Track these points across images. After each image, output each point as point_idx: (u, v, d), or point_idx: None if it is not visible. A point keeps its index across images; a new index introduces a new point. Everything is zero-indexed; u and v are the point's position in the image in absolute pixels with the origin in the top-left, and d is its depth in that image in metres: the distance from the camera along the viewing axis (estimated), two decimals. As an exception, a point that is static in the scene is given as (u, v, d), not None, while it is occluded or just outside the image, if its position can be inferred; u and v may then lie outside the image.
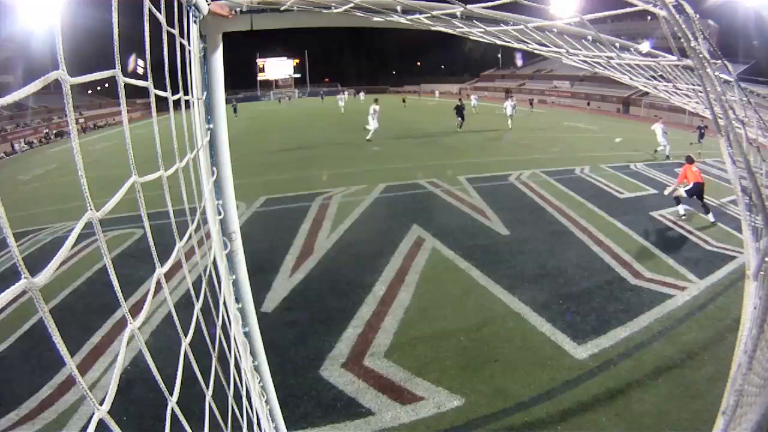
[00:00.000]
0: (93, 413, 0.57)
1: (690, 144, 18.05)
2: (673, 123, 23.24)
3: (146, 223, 0.85)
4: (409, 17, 1.23)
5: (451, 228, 6.27)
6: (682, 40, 0.66)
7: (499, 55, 51.02)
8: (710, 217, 6.94)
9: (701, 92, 1.32)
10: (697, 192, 6.97)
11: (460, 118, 19.26)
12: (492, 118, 22.08)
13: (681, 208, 7.14)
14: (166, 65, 1.06)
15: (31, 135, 28.71)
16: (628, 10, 0.87)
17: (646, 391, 3.25)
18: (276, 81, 61.98)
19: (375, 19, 1.38)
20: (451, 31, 1.39)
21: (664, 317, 4.24)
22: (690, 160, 7.22)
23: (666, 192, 7.49)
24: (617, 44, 1.18)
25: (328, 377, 3.52)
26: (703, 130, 18.09)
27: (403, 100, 35.92)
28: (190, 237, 1.09)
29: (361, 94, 47.27)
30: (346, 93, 52.33)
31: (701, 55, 0.64)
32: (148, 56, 0.88)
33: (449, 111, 19.54)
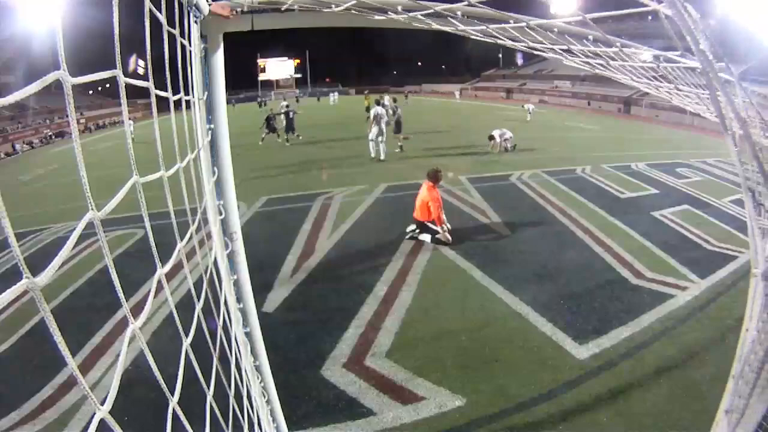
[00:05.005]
0: (94, 413, 0.58)
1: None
2: (674, 123, 23.20)
3: (147, 224, 0.85)
4: (409, 15, 1.23)
5: (453, 228, 6.26)
6: (688, 39, 0.66)
7: (500, 55, 50.95)
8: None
9: (704, 93, 1.32)
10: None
11: (267, 131, 14.48)
12: (491, 120, 22.01)
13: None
14: (167, 65, 1.06)
15: (32, 135, 28.77)
16: (632, 10, 0.86)
17: (648, 391, 3.24)
18: (277, 81, 61.74)
19: (376, 17, 1.38)
20: (451, 30, 1.39)
21: (665, 317, 4.23)
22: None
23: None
24: (618, 44, 1.18)
25: (329, 377, 3.52)
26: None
27: (367, 109, 18.42)
28: (191, 237, 1.10)
29: (334, 96, 34.76)
30: (335, 94, 36.52)
31: (709, 57, 0.64)
32: (148, 56, 0.88)
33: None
